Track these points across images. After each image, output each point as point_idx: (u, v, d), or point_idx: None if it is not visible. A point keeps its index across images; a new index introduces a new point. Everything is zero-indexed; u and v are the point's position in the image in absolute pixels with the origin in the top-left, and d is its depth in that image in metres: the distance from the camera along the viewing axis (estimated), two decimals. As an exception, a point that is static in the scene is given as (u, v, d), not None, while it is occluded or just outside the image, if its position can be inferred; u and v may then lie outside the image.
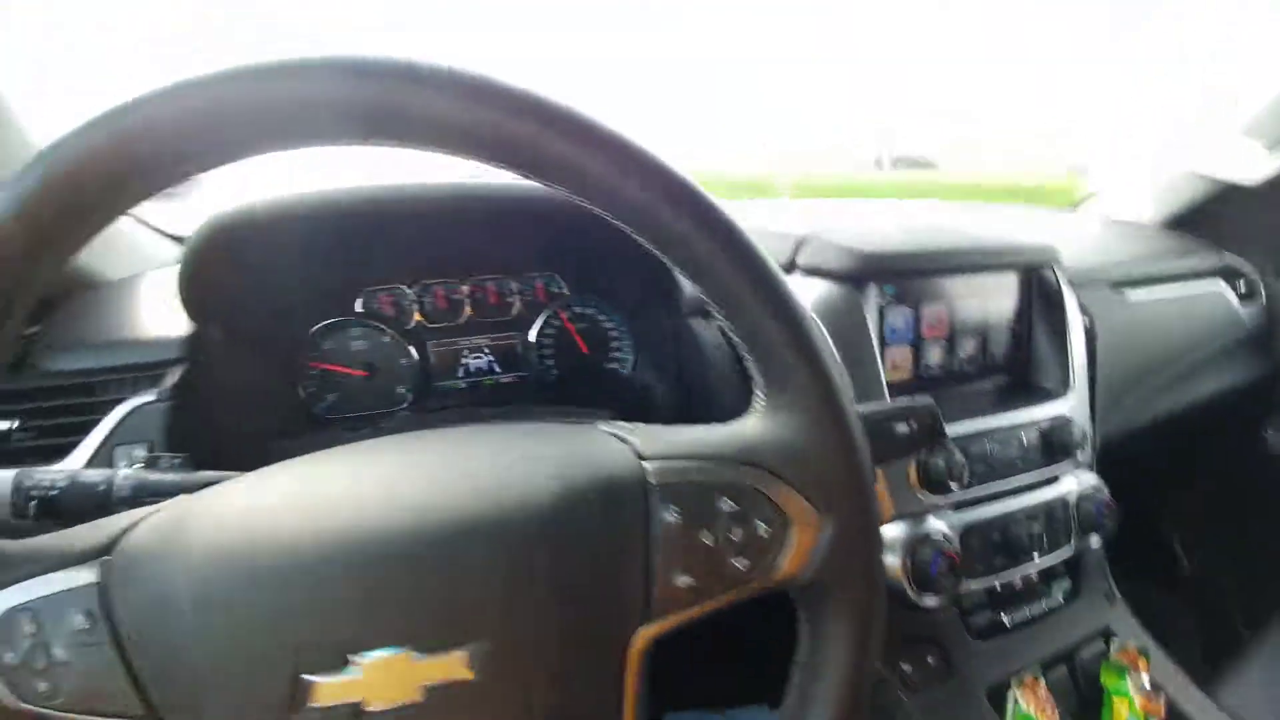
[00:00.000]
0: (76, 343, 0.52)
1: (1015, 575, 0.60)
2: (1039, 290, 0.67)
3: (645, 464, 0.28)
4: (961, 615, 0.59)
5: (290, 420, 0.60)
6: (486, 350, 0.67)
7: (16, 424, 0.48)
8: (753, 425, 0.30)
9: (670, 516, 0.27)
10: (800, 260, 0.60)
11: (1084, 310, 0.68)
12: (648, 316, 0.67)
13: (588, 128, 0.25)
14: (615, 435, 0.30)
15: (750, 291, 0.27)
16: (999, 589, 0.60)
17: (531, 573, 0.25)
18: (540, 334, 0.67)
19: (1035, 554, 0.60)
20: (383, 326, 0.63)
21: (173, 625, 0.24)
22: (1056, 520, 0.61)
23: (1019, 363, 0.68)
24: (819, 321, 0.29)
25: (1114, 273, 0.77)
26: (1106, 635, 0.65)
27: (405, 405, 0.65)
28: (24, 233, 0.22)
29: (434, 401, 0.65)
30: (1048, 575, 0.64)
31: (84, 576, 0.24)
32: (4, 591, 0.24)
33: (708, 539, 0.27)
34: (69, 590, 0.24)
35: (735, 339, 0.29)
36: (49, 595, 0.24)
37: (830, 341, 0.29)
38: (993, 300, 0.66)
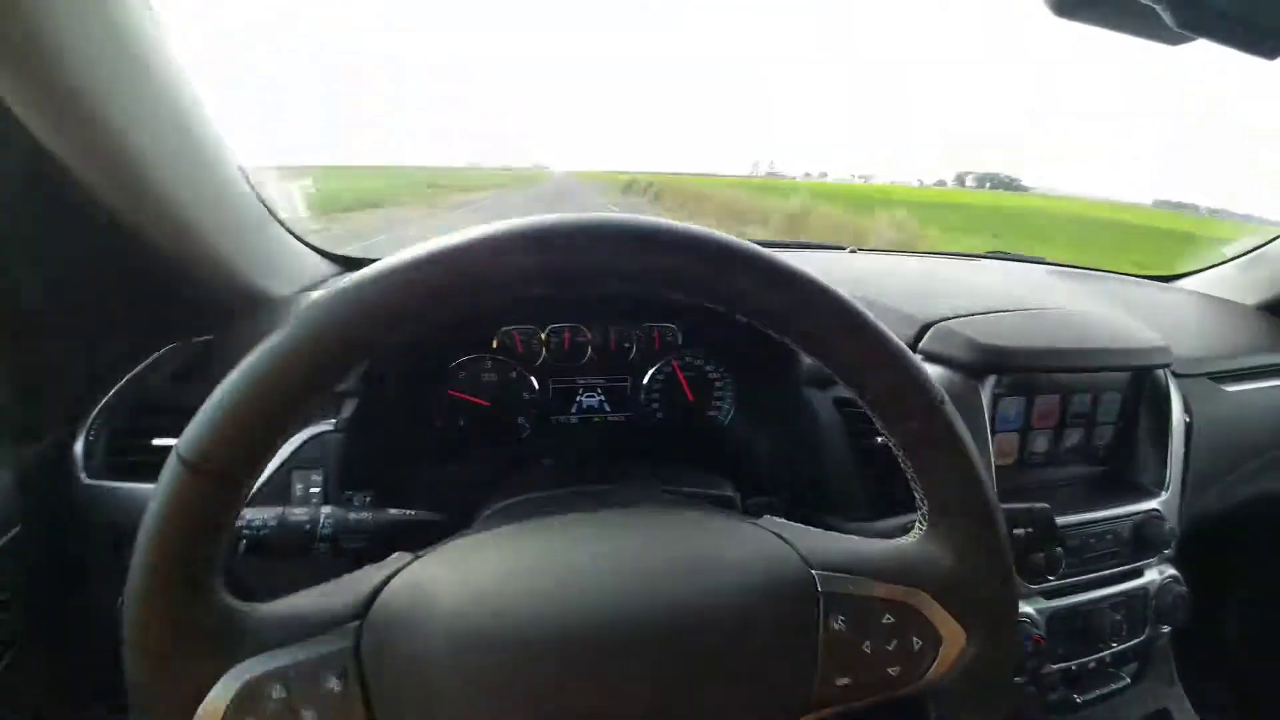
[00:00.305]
0: None
1: (1092, 659, 0.63)
2: (1148, 387, 0.68)
3: (814, 572, 0.31)
4: (1038, 692, 0.63)
5: (431, 446, 0.65)
6: (600, 390, 0.71)
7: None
8: (915, 547, 0.33)
9: (836, 624, 0.30)
10: (923, 345, 0.63)
11: (1186, 407, 0.70)
12: (754, 374, 0.70)
13: (839, 304, 0.28)
14: (778, 536, 0.33)
15: (927, 428, 0.30)
16: (1074, 669, 0.64)
17: (724, 661, 0.29)
18: (652, 379, 0.71)
19: (1114, 642, 0.62)
20: (513, 362, 0.68)
21: (424, 689, 0.26)
22: (1136, 610, 0.64)
23: (1118, 455, 0.70)
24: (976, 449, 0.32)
25: (1214, 365, 0.77)
26: (1163, 717, 0.69)
27: (524, 435, 0.69)
28: (352, 323, 0.25)
29: (549, 433, 0.70)
30: (1119, 658, 0.67)
31: (338, 642, 0.26)
32: (255, 658, 0.25)
33: (867, 647, 0.30)
34: (326, 654, 0.25)
35: (903, 464, 0.32)
36: (305, 660, 0.25)
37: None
38: (1103, 395, 0.67)
